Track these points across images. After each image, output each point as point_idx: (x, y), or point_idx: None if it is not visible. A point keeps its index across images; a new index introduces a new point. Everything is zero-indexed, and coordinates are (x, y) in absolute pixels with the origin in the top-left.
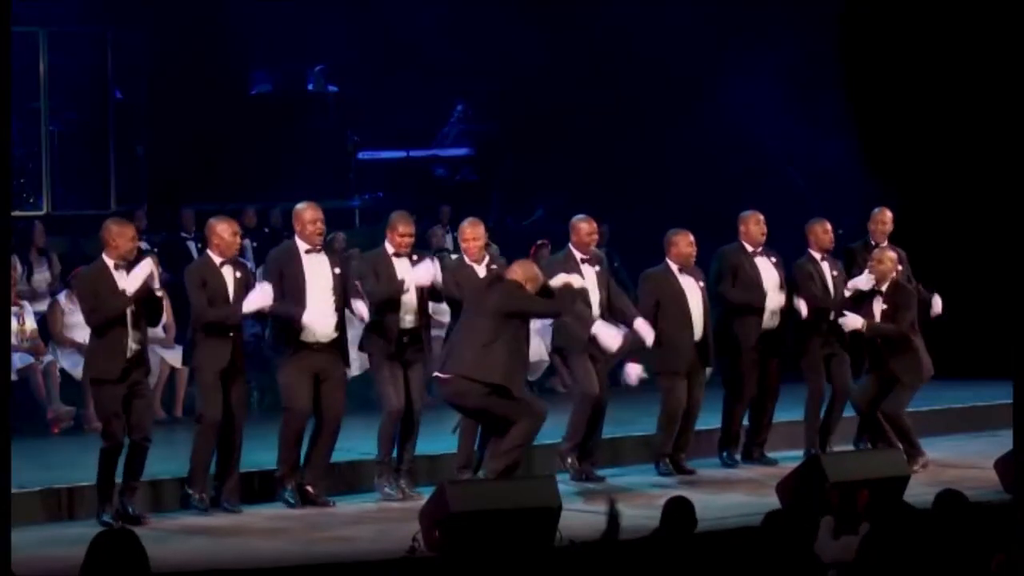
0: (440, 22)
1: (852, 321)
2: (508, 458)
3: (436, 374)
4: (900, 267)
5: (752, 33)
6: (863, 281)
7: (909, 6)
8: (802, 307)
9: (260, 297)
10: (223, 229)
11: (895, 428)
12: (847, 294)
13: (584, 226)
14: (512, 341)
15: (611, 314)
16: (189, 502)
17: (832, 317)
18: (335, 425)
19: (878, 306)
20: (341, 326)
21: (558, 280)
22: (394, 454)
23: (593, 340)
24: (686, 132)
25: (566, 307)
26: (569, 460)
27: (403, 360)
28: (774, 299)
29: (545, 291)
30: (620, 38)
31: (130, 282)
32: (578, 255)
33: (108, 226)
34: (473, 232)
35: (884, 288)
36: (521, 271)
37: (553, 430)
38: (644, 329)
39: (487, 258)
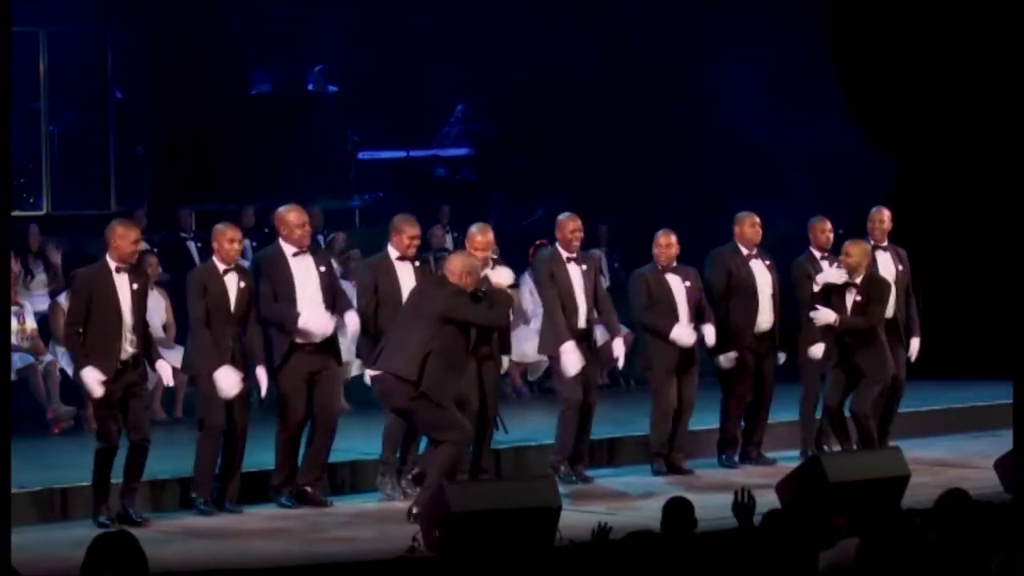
0: (440, 22)
1: (824, 316)
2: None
3: (366, 370)
4: (901, 267)
5: (748, 26)
6: (834, 275)
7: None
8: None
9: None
10: (221, 236)
11: (860, 428)
12: (815, 288)
13: (569, 224)
14: (447, 350)
15: (598, 317)
16: (194, 505)
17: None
18: (332, 422)
19: (850, 298)
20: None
21: (497, 277)
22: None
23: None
24: (685, 130)
25: (504, 319)
26: (562, 468)
27: None
28: (767, 300)
29: (475, 296)
30: (620, 38)
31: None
32: (564, 253)
33: (112, 226)
34: (484, 240)
35: (858, 280)
36: (460, 264)
37: (548, 431)
38: (619, 348)
39: (491, 263)
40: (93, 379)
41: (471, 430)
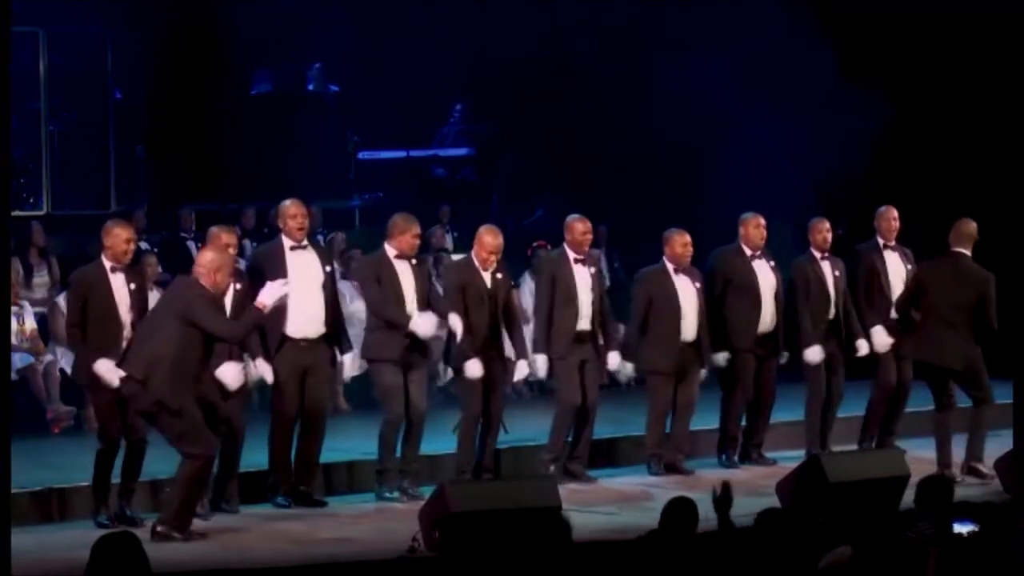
0: (440, 22)
1: None
2: (179, 502)
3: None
4: (910, 266)
5: (744, 19)
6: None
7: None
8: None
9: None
10: (215, 239)
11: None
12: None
13: (579, 225)
14: (183, 355)
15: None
16: None
17: (832, 316)
18: (319, 420)
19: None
20: (329, 323)
21: (265, 296)
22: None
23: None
24: (686, 129)
25: (246, 333)
26: (552, 469)
27: (404, 363)
28: (770, 302)
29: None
30: (621, 37)
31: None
32: (572, 255)
33: (107, 226)
34: (494, 242)
35: None
36: (210, 258)
37: (548, 431)
38: (613, 360)
39: (495, 266)
40: (107, 370)
41: (217, 444)
